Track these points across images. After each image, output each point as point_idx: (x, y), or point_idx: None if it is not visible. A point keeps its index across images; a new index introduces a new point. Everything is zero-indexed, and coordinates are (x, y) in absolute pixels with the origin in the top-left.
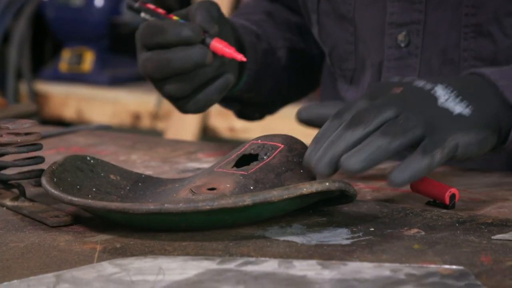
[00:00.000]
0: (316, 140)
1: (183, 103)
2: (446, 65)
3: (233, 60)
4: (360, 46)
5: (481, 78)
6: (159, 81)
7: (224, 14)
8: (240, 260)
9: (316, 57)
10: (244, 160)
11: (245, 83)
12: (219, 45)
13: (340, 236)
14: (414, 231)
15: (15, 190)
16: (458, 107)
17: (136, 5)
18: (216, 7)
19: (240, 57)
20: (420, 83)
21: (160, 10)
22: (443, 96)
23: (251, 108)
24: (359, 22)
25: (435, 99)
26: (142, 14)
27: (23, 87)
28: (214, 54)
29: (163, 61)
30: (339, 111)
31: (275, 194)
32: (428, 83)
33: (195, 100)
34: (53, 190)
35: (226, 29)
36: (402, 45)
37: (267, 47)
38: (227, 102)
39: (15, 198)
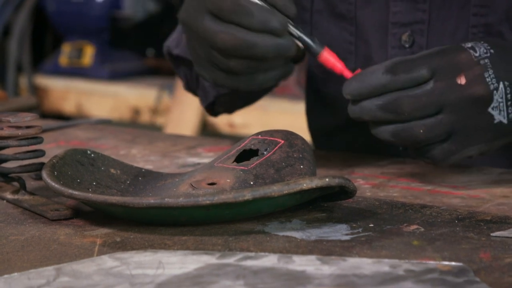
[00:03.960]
0: (361, 78)
1: (239, 79)
2: None
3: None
4: (361, 45)
5: None
6: (227, 55)
7: None
8: (240, 255)
9: None
10: (244, 155)
11: None
12: (331, 59)
13: (339, 232)
14: (413, 227)
15: (16, 183)
16: (501, 116)
17: None
18: None
19: (350, 75)
20: (488, 77)
21: None
22: (496, 101)
23: (229, 96)
24: (360, 21)
25: (488, 102)
26: None
27: (23, 81)
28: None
29: (247, 43)
30: (397, 66)
31: (275, 189)
32: (494, 79)
33: (252, 79)
34: (53, 184)
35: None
36: (407, 45)
37: None
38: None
39: (16, 191)
